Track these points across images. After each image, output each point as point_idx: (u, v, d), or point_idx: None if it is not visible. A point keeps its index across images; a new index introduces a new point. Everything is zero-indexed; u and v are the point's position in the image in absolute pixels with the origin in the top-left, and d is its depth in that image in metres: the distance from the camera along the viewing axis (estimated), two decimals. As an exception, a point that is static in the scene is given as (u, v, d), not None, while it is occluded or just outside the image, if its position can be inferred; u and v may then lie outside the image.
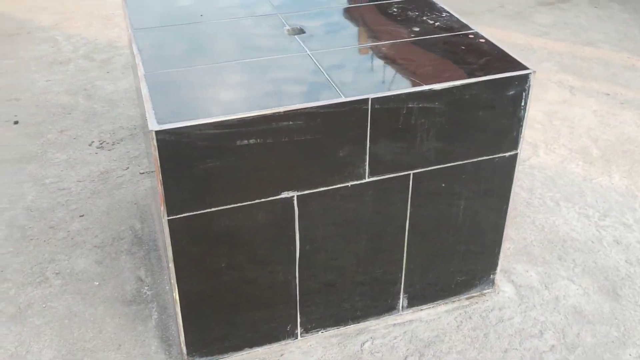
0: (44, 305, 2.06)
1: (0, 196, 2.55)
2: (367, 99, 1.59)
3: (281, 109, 1.53)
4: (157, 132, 1.45)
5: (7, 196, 2.55)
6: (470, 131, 1.74)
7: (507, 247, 2.29)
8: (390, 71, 1.73)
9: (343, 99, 1.58)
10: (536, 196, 2.54)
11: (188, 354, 1.82)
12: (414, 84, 1.64)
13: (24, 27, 4.03)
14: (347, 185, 1.70)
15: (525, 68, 1.72)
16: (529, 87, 1.72)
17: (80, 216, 2.44)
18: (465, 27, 1.96)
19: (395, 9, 2.09)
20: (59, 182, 2.62)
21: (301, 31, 1.94)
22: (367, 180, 1.71)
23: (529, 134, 2.93)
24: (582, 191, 2.57)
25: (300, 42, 1.87)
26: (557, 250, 2.28)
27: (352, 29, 1.98)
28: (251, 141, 1.54)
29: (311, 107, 1.55)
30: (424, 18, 2.02)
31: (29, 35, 3.93)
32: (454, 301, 2.05)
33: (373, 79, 1.69)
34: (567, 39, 3.87)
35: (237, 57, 1.78)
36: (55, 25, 4.01)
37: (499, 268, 2.05)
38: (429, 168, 1.75)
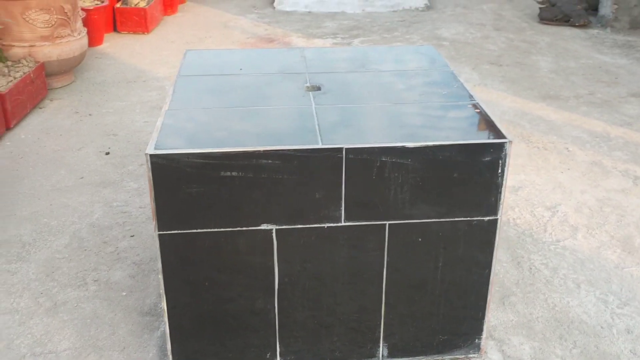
0: (75, 305, 2.36)
1: (73, 211, 2.94)
2: (341, 148, 1.76)
3: (261, 148, 1.74)
4: (151, 156, 1.72)
5: (78, 212, 2.94)
6: (446, 191, 1.84)
7: (510, 319, 2.29)
8: (376, 127, 1.90)
9: (318, 146, 1.76)
10: (559, 276, 2.52)
11: (174, 362, 2.01)
12: (389, 140, 1.79)
13: (142, 76, 4.60)
14: (324, 227, 1.86)
15: (503, 137, 1.81)
16: (505, 156, 1.80)
17: (131, 236, 2.76)
18: (469, 97, 2.08)
19: (418, 78, 2.25)
20: (123, 206, 2.98)
21: (318, 88, 2.16)
22: (343, 224, 1.86)
23: (573, 217, 2.91)
24: (610, 278, 2.51)
25: (312, 97, 2.08)
26: (560, 329, 2.25)
27: (365, 90, 2.17)
28: (233, 173, 1.76)
29: (288, 150, 1.75)
30: (437, 89, 2.16)
31: (144, 83, 4.48)
32: (436, 358, 2.10)
33: (357, 132, 1.86)
34: (650, 131, 3.78)
35: (249, 104, 2.03)
36: (168, 76, 4.54)
37: (484, 334, 2.07)
38: (404, 221, 1.87)
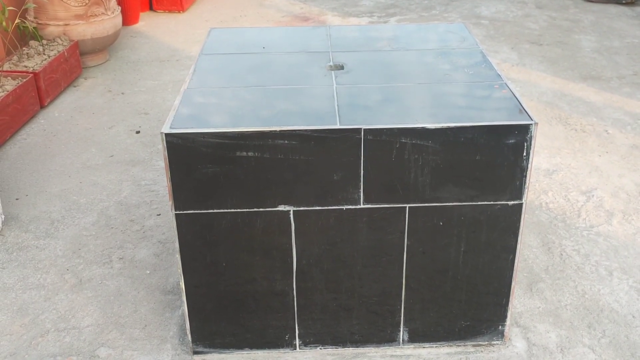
0: (100, 282, 2.39)
1: (102, 189, 2.97)
2: (360, 129, 1.72)
3: (277, 128, 1.71)
4: (166, 135, 1.70)
5: (107, 190, 2.96)
6: (467, 174, 1.78)
7: (537, 306, 2.23)
8: (398, 107, 1.84)
9: (336, 126, 1.72)
10: (590, 263, 2.43)
11: (193, 341, 2.02)
12: (410, 121, 1.74)
13: (175, 55, 4.60)
14: (342, 209, 1.82)
15: (529, 119, 1.73)
16: (530, 138, 1.73)
17: (157, 215, 2.77)
18: (497, 77, 2.00)
19: (445, 57, 2.18)
20: (152, 185, 2.99)
21: (341, 67, 2.11)
22: (361, 206, 1.82)
23: (608, 202, 2.80)
24: (645, 266, 2.42)
25: (334, 76, 2.04)
26: (589, 318, 2.17)
27: (390, 69, 2.11)
28: (249, 154, 1.73)
29: (305, 130, 1.71)
30: (465, 69, 2.09)
31: (177, 62, 4.48)
32: (458, 345, 2.05)
33: (377, 113, 1.81)
34: (695, 113, 3.61)
35: (269, 83, 2.00)
36: (201, 55, 4.53)
37: (508, 320, 2.02)
38: (425, 204, 1.82)
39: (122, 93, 3.97)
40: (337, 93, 1.91)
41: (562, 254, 2.48)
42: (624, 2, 5.42)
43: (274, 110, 1.82)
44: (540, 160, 3.15)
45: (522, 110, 1.78)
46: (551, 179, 3.00)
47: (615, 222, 2.67)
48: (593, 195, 2.86)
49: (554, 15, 5.34)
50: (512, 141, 1.74)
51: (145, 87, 4.06)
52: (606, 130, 3.44)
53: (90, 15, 4.06)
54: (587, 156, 3.19)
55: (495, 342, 2.05)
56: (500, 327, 2.03)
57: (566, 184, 2.96)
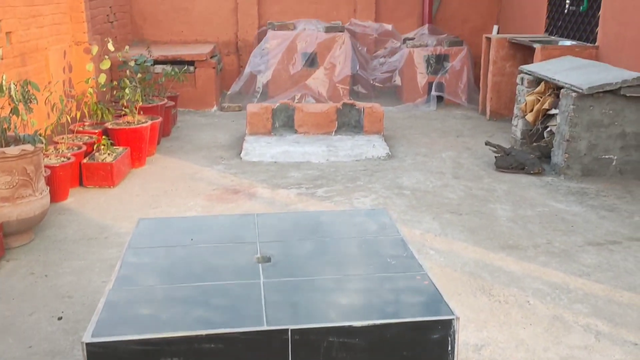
0: None
1: None
2: (287, 329, 1.73)
3: (203, 332, 1.70)
4: (87, 345, 1.66)
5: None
6: (395, 370, 1.79)
7: None
8: (325, 303, 1.87)
9: (263, 327, 1.72)
10: None
11: None
12: (336, 318, 1.77)
13: (103, 232, 4.57)
14: (271, 411, 1.77)
15: (451, 313, 1.79)
16: (454, 332, 1.78)
17: None
18: (419, 267, 2.09)
19: (368, 245, 2.27)
20: (71, 378, 2.84)
21: (268, 260, 2.16)
22: (290, 408, 1.78)
23: (537, 377, 2.84)
24: None
25: (261, 269, 2.07)
26: None
27: (315, 260, 2.17)
28: (174, 359, 1.70)
29: (231, 333, 1.71)
30: (387, 258, 2.17)
31: (105, 239, 4.45)
32: None
33: (303, 309, 1.84)
34: (608, 282, 3.81)
35: (197, 280, 2.01)
36: (129, 232, 4.52)
37: None
38: (355, 403, 1.80)
39: (46, 275, 3.87)
40: (264, 289, 1.94)
41: None
42: (531, 172, 5.85)
43: (199, 311, 1.82)
44: (468, 334, 3.20)
45: (444, 304, 1.85)
46: (480, 354, 3.03)
47: (545, 400, 2.69)
48: (521, 371, 2.90)
49: (470, 185, 5.69)
50: (436, 336, 1.78)
51: (71, 268, 3.97)
52: (528, 301, 3.56)
53: (17, 197, 4.05)
54: (512, 329, 3.27)
55: None
56: None
57: (495, 359, 2.99)
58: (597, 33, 6.91)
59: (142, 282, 1.99)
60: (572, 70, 6.16)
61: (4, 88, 4.23)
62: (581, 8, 7.29)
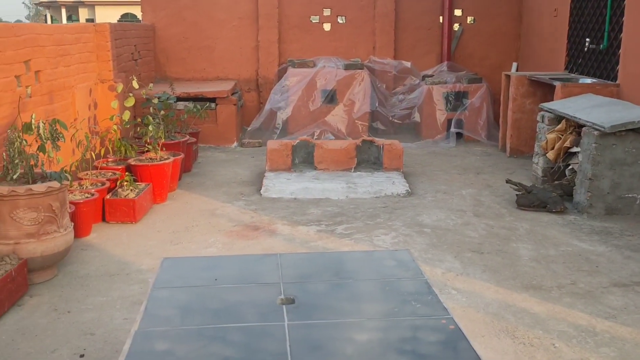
0: None
1: None
2: (312, 374, 1.72)
3: (228, 376, 1.70)
4: (114, 386, 1.66)
5: None
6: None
7: None
8: (350, 349, 1.86)
9: (289, 373, 1.72)
10: None
11: None
12: (361, 364, 1.76)
13: (125, 268, 4.60)
14: None
15: (477, 358, 1.78)
16: (480, 379, 1.76)
17: None
18: (443, 311, 2.07)
19: (391, 288, 2.26)
20: (93, 417, 2.83)
21: (292, 301, 2.16)
22: None
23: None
24: None
25: (285, 312, 2.07)
26: None
27: (339, 303, 2.16)
28: (200, 403, 1.70)
29: (257, 377, 1.70)
30: (412, 302, 2.16)
31: (127, 276, 4.47)
32: None
33: (328, 355, 1.83)
34: (635, 324, 3.74)
35: (221, 322, 2.01)
36: (151, 268, 4.55)
37: None
38: None
39: (68, 312, 3.89)
40: (288, 332, 1.93)
41: None
42: (554, 210, 5.81)
43: (225, 355, 1.82)
44: (492, 377, 3.15)
45: (472, 351, 1.83)
46: (505, 398, 2.98)
47: None
48: (547, 417, 2.84)
49: (491, 224, 5.65)
50: (463, 383, 1.76)
51: (93, 305, 3.99)
52: (553, 344, 3.51)
53: (42, 234, 4.10)
54: (537, 372, 3.22)
55: None
56: None
57: (520, 404, 2.94)
58: (617, 71, 6.92)
59: (166, 324, 2.00)
60: (593, 108, 6.15)
61: (33, 126, 4.32)
62: (601, 46, 7.31)
